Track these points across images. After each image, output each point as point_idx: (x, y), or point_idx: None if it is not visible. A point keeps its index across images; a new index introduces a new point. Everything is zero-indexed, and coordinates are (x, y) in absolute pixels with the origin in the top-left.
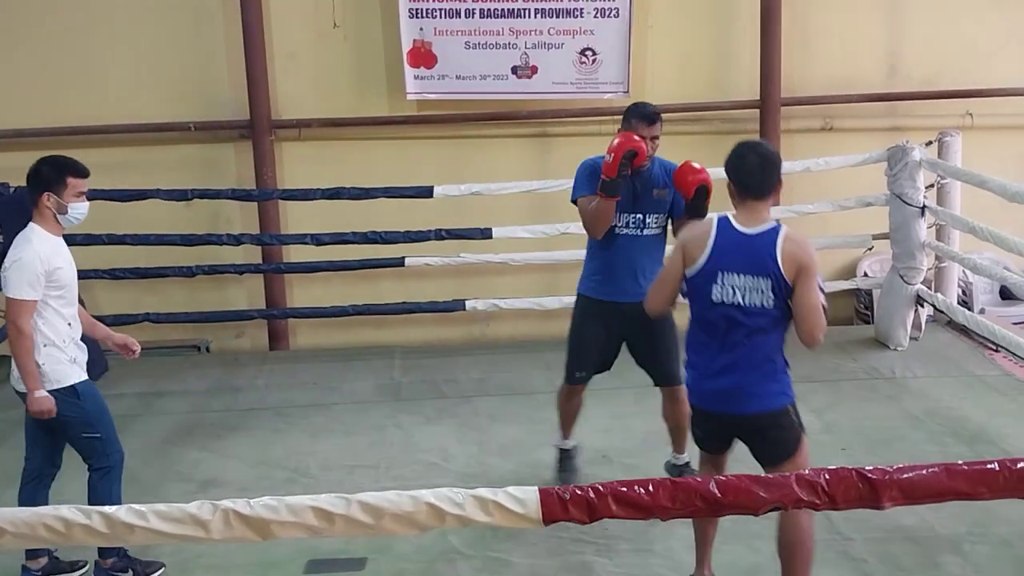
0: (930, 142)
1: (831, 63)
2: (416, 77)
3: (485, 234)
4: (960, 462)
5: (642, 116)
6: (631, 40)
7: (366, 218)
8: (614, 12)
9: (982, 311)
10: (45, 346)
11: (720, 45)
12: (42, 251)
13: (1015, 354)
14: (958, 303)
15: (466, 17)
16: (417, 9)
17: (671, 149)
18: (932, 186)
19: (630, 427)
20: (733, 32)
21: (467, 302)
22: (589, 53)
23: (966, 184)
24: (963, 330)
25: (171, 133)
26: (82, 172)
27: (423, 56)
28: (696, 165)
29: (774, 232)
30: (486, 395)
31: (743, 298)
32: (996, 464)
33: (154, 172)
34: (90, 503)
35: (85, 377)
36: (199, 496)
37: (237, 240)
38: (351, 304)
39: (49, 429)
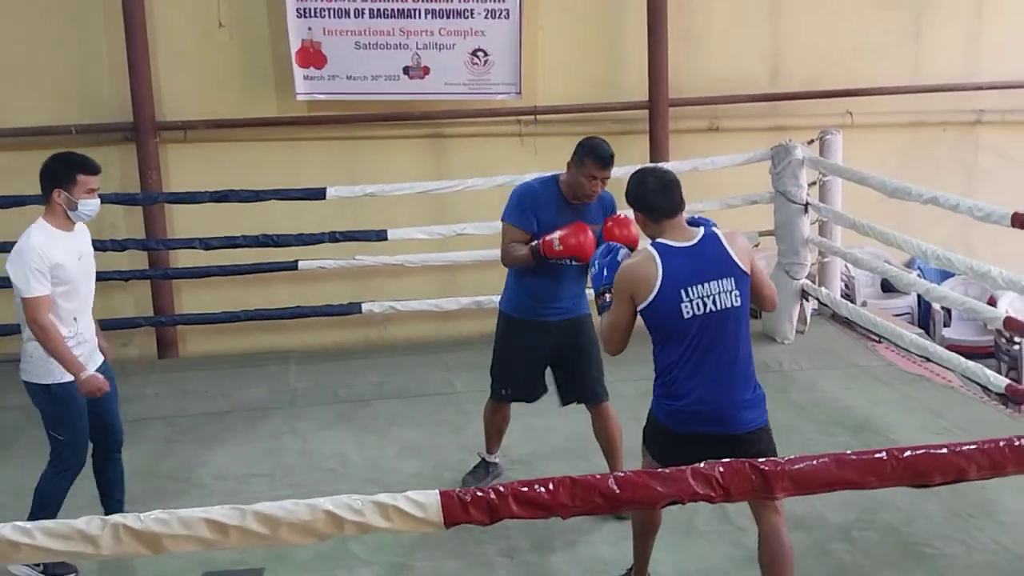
0: (812, 141)
1: (717, 65)
2: (305, 77)
3: (380, 236)
4: (848, 452)
5: (597, 158)
6: (522, 41)
7: (257, 221)
8: (504, 13)
9: (864, 304)
10: (28, 340)
11: (609, 47)
12: (39, 245)
13: (896, 345)
14: (841, 296)
15: (355, 17)
16: (305, 8)
17: (561, 149)
18: (815, 183)
19: (529, 425)
20: (622, 34)
21: (363, 305)
22: (481, 54)
23: (847, 181)
24: (847, 323)
25: (52, 137)
26: (92, 169)
27: (312, 56)
28: (626, 224)
29: (714, 236)
30: (384, 398)
31: (716, 304)
32: (884, 454)
33: (35, 177)
34: (35, 493)
35: (68, 379)
36: (89, 511)
37: (122, 246)
38: (243, 309)
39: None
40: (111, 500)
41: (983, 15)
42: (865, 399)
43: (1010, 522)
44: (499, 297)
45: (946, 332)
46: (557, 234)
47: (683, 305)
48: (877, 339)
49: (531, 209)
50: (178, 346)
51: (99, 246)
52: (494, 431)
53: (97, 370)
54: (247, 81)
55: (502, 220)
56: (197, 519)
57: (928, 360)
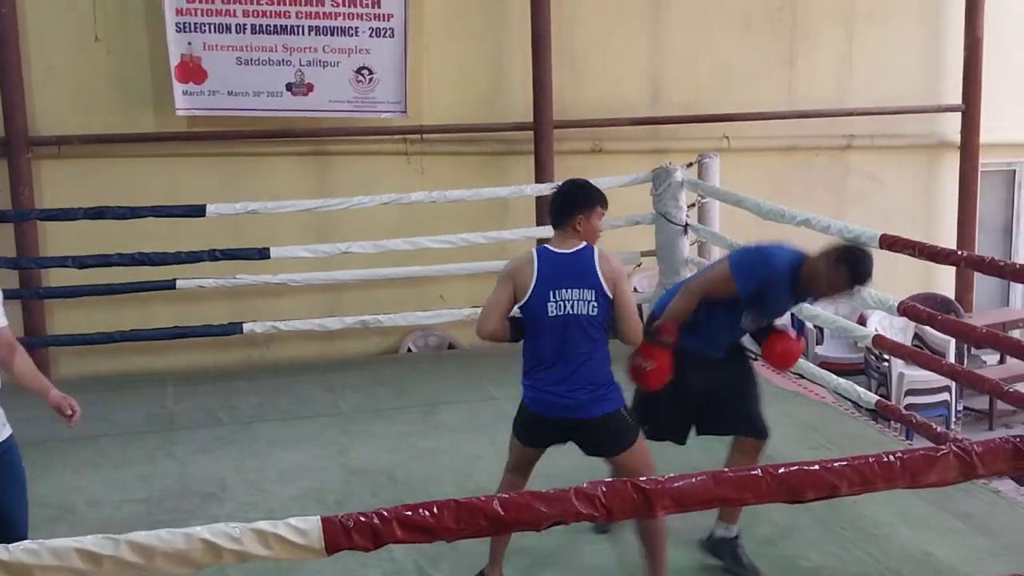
0: (691, 164)
1: (600, 88)
2: (185, 93)
3: (262, 254)
4: (725, 469)
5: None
6: (407, 60)
7: (134, 239)
8: (389, 32)
9: None
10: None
11: (495, 68)
12: None
13: None
14: None
15: (237, 32)
16: (185, 23)
17: (449, 168)
18: (694, 205)
19: (415, 446)
20: (507, 56)
21: (244, 325)
22: (366, 72)
23: (724, 203)
24: None
25: None
26: None
27: (192, 71)
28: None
29: (588, 250)
30: (266, 420)
31: (574, 308)
32: (759, 471)
33: None
34: None
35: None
36: None
37: None
38: (118, 330)
39: None
40: None
41: (853, 43)
42: None
43: (881, 535)
44: (383, 316)
45: (819, 349)
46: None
47: (549, 304)
48: (753, 357)
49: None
50: (50, 368)
51: None
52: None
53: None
54: (124, 96)
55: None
56: (68, 549)
57: (802, 377)
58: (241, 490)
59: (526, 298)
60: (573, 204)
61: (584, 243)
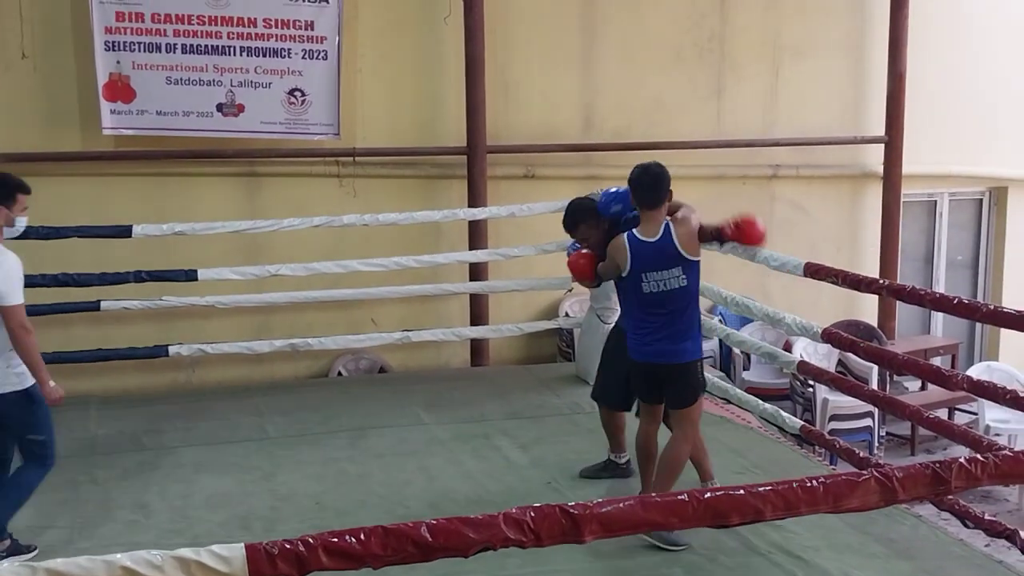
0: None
1: (533, 114)
2: (113, 111)
3: (190, 276)
4: (653, 495)
5: (563, 225)
6: (340, 83)
7: (57, 259)
8: (322, 54)
9: None
10: (9, 350)
11: (429, 93)
12: (15, 258)
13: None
14: None
15: (167, 52)
16: (113, 42)
17: (383, 191)
18: None
19: (344, 471)
20: (440, 81)
21: (170, 347)
22: (298, 94)
23: None
24: None
25: None
26: (28, 189)
27: (120, 90)
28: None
29: (667, 231)
30: (191, 445)
31: (667, 285)
32: (685, 495)
33: None
34: (17, 489)
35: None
36: None
37: None
38: (40, 352)
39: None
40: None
41: (779, 75)
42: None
43: (808, 558)
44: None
45: (745, 375)
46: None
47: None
48: None
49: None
50: None
51: None
52: (607, 430)
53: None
54: (51, 114)
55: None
56: None
57: (729, 402)
58: (165, 516)
59: (624, 275)
60: (666, 183)
61: (664, 223)
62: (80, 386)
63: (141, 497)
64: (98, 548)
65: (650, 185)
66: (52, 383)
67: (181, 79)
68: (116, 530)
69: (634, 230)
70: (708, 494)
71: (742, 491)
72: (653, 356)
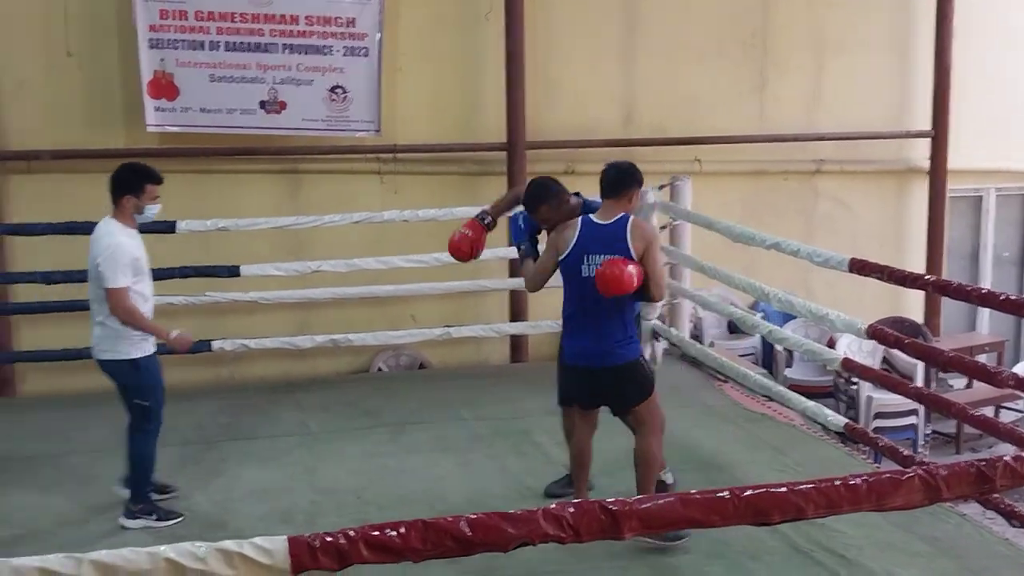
0: (663, 186)
1: (573, 109)
2: (157, 109)
3: (233, 272)
4: (693, 492)
5: (524, 203)
6: (381, 80)
7: None
8: (363, 51)
9: (712, 344)
10: (124, 322)
11: (468, 89)
12: (125, 242)
13: (742, 384)
14: (690, 337)
15: (210, 49)
16: (157, 39)
17: (423, 187)
18: (665, 227)
19: (384, 466)
20: (481, 77)
21: (213, 343)
22: (339, 91)
23: (696, 225)
24: (695, 362)
25: None
26: (157, 179)
27: (164, 87)
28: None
29: (624, 220)
30: (233, 439)
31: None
32: (727, 493)
33: None
34: (133, 459)
35: (151, 352)
36: None
37: None
38: (86, 347)
39: None
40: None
41: (823, 70)
42: (712, 437)
43: (851, 556)
44: (354, 335)
45: (788, 372)
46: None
47: (583, 266)
48: (723, 379)
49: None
50: (15, 384)
51: None
52: (569, 439)
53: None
54: (96, 111)
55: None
56: (31, 568)
57: (771, 399)
58: (208, 510)
59: (564, 255)
60: (631, 179)
61: (623, 214)
62: None
63: (184, 492)
64: (141, 541)
65: (615, 177)
66: (175, 333)
67: (224, 76)
68: (159, 523)
69: (591, 215)
70: (749, 491)
71: (784, 488)
72: (588, 359)
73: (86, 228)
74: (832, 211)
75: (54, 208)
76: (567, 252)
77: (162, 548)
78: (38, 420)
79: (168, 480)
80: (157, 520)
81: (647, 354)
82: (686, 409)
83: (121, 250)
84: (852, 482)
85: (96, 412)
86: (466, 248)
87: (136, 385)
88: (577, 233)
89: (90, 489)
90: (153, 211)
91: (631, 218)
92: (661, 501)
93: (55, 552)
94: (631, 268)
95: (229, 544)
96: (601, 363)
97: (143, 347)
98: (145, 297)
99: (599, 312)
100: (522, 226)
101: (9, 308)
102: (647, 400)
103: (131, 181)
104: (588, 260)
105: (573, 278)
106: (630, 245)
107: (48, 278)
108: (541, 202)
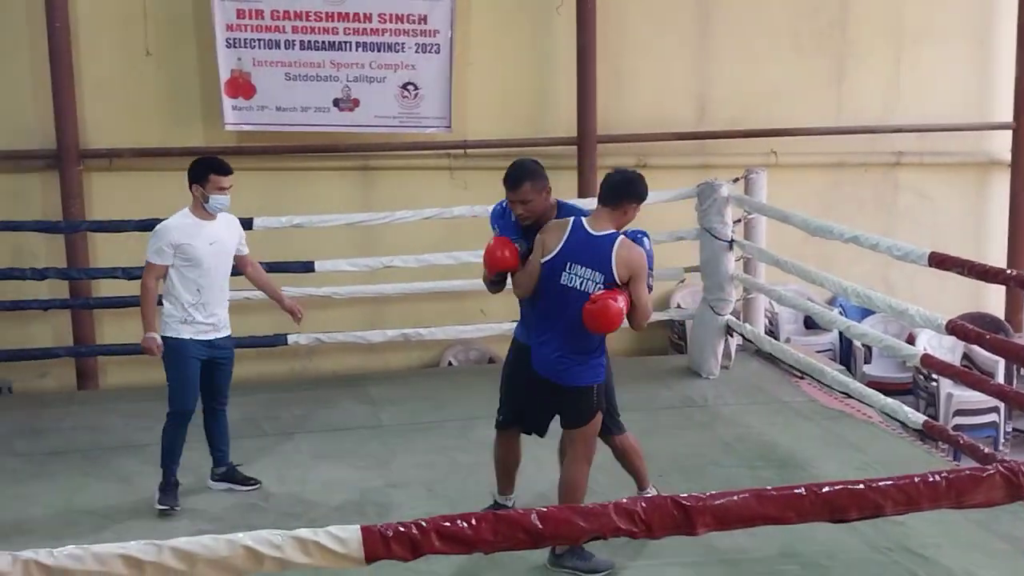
0: (737, 179)
1: (645, 103)
2: (234, 107)
3: (307, 267)
4: (769, 488)
5: (504, 180)
6: (452, 76)
7: None
8: (435, 48)
9: (788, 340)
10: (167, 302)
11: (539, 84)
12: (174, 226)
13: (819, 381)
14: (765, 333)
15: (286, 48)
16: (234, 39)
17: (493, 183)
18: (739, 221)
19: (454, 460)
20: (551, 71)
21: (289, 337)
22: (411, 87)
23: (771, 219)
24: (771, 359)
25: None
26: (222, 170)
27: (241, 86)
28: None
29: (613, 237)
30: (308, 432)
31: (581, 285)
32: (803, 489)
33: None
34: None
35: (185, 337)
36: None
37: (42, 275)
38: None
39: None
40: (216, 451)
41: (902, 61)
42: (788, 435)
43: (929, 555)
44: (424, 330)
45: (867, 368)
46: (484, 254)
47: (564, 274)
48: (800, 375)
49: (498, 224)
50: (98, 377)
51: (19, 274)
52: (499, 466)
53: (218, 341)
54: (174, 110)
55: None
56: (112, 555)
57: (849, 396)
58: (284, 501)
59: (547, 257)
60: (634, 190)
61: (614, 230)
62: None
63: (261, 480)
64: (220, 530)
65: (617, 184)
66: (149, 334)
67: (299, 75)
68: (237, 513)
69: (583, 219)
70: (826, 488)
71: (861, 485)
72: (551, 373)
73: None
74: (913, 204)
75: (134, 205)
76: (552, 254)
77: (240, 536)
78: (120, 412)
79: (250, 471)
80: (161, 506)
81: (719, 350)
82: (762, 406)
83: (164, 230)
84: (931, 479)
85: None
86: (512, 256)
87: (165, 365)
88: (566, 237)
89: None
90: (220, 201)
91: (620, 239)
92: (736, 497)
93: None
94: (621, 304)
95: (304, 532)
96: (558, 379)
97: (176, 328)
98: (199, 286)
99: (573, 328)
100: (513, 220)
101: (92, 303)
102: (590, 422)
103: (197, 171)
104: (570, 269)
105: (551, 283)
106: (613, 269)
107: (129, 273)
108: (525, 178)
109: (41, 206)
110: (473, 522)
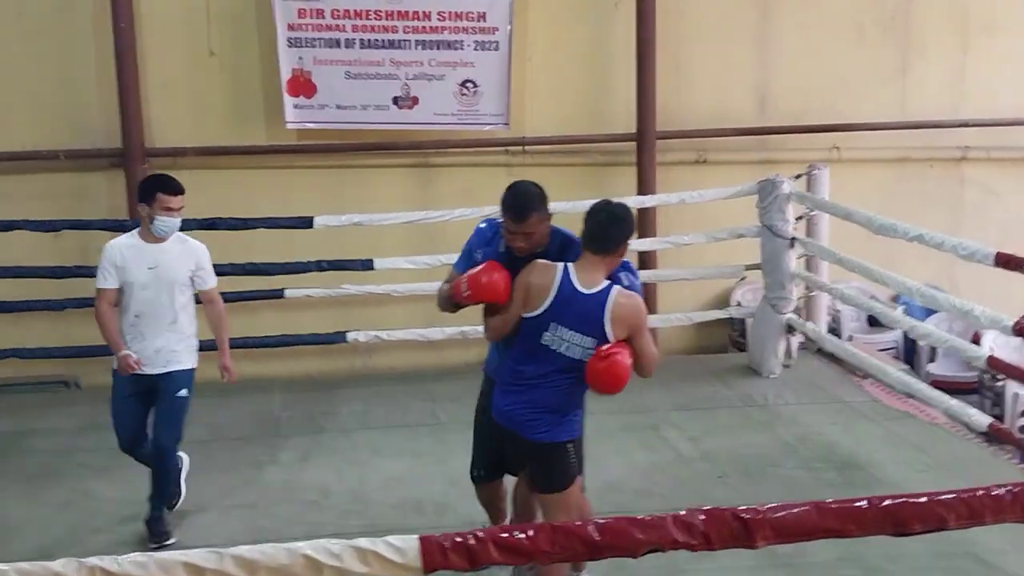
0: (799, 175)
1: (704, 98)
2: (295, 106)
3: (366, 265)
4: (829, 500)
5: (508, 209)
6: (510, 73)
7: (244, 249)
8: (494, 45)
9: (851, 338)
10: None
11: (597, 79)
12: (116, 247)
13: (881, 380)
14: (828, 330)
15: (346, 47)
16: (296, 38)
17: (551, 179)
18: (801, 218)
19: None
20: (610, 66)
21: (348, 334)
22: (470, 85)
23: (834, 216)
24: (833, 357)
25: (39, 162)
26: (171, 189)
27: (302, 85)
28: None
29: (606, 293)
30: (367, 428)
31: (567, 350)
32: (865, 502)
33: (20, 201)
34: None
35: (128, 352)
36: (66, 539)
37: None
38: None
39: None
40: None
41: (968, 53)
42: (850, 435)
43: (993, 561)
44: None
45: (931, 367)
46: (467, 275)
47: (545, 333)
48: (863, 375)
49: (483, 251)
50: None
51: (86, 272)
52: (490, 510)
53: (157, 377)
54: (237, 109)
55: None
56: (175, 562)
57: (912, 397)
58: (343, 498)
59: (531, 314)
60: (627, 230)
61: (607, 282)
62: (265, 370)
63: (320, 479)
64: (280, 527)
65: (607, 225)
66: (122, 352)
67: (359, 73)
68: (296, 511)
69: (571, 270)
70: (888, 500)
71: (924, 499)
72: (513, 423)
73: (229, 224)
74: (980, 200)
75: (197, 202)
76: (537, 312)
77: (300, 544)
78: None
79: (309, 467)
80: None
81: (780, 349)
82: (823, 406)
83: (107, 250)
84: (995, 492)
85: (236, 401)
86: (502, 286)
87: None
88: (554, 293)
89: (229, 476)
90: (166, 223)
91: (614, 293)
92: (796, 510)
93: (198, 536)
94: (629, 360)
95: (363, 542)
96: (525, 433)
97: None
98: (136, 313)
99: (547, 382)
100: (501, 250)
101: None
102: (568, 489)
103: (144, 189)
104: (555, 331)
105: (530, 339)
106: (608, 331)
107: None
108: (532, 207)
109: (107, 204)
110: (531, 533)
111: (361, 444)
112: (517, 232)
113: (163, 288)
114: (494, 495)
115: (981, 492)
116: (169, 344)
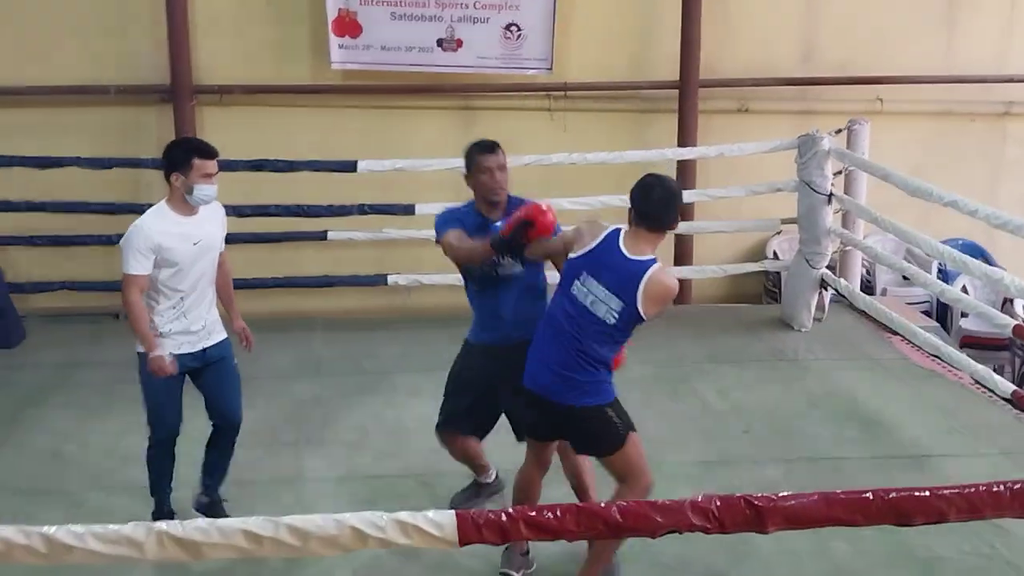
0: (839, 130)
1: (749, 47)
2: (341, 46)
3: (408, 211)
4: (837, 492)
5: (481, 148)
6: (555, 17)
7: (289, 190)
8: None
9: (884, 291)
10: (153, 312)
11: (642, 25)
12: (149, 227)
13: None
14: (862, 282)
15: None
16: None
17: (592, 125)
18: (839, 173)
19: None
20: (655, 13)
21: (389, 277)
22: (514, 28)
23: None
24: (864, 312)
25: (90, 95)
26: (207, 153)
27: (348, 25)
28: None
29: (647, 265)
30: (405, 371)
31: (592, 305)
32: (870, 494)
33: (72, 135)
34: None
35: (161, 353)
36: (123, 471)
37: None
38: (272, 276)
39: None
40: (205, 478)
41: (1016, 6)
42: (877, 393)
43: (1007, 526)
44: None
45: (963, 323)
46: (522, 214)
47: (576, 281)
48: (893, 331)
49: (458, 222)
50: None
51: (136, 208)
52: (463, 461)
53: (210, 349)
54: (283, 48)
55: (437, 242)
56: (235, 529)
57: (939, 357)
58: (381, 439)
59: (573, 255)
60: (680, 207)
61: (652, 257)
62: (307, 307)
63: (359, 419)
64: (322, 468)
65: (661, 202)
66: (155, 353)
67: (404, 15)
68: (336, 450)
69: (621, 233)
70: (892, 493)
71: (927, 492)
72: (544, 389)
73: (274, 165)
74: (1021, 156)
75: (243, 139)
76: (577, 254)
77: (347, 516)
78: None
79: (348, 408)
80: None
81: (813, 303)
82: (852, 362)
83: (138, 233)
84: (995, 489)
85: (278, 338)
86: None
87: (140, 384)
88: (596, 244)
89: (272, 413)
90: (206, 192)
91: (655, 268)
92: (806, 499)
93: (244, 475)
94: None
95: (405, 516)
96: (556, 397)
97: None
98: (181, 294)
99: (571, 342)
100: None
101: None
102: (622, 448)
103: (176, 156)
104: (584, 281)
105: (564, 285)
106: (638, 297)
107: (239, 211)
108: (498, 145)
109: (156, 139)
110: (558, 513)
111: (399, 385)
112: (493, 167)
113: (208, 261)
114: (462, 446)
115: (982, 487)
116: (212, 315)
